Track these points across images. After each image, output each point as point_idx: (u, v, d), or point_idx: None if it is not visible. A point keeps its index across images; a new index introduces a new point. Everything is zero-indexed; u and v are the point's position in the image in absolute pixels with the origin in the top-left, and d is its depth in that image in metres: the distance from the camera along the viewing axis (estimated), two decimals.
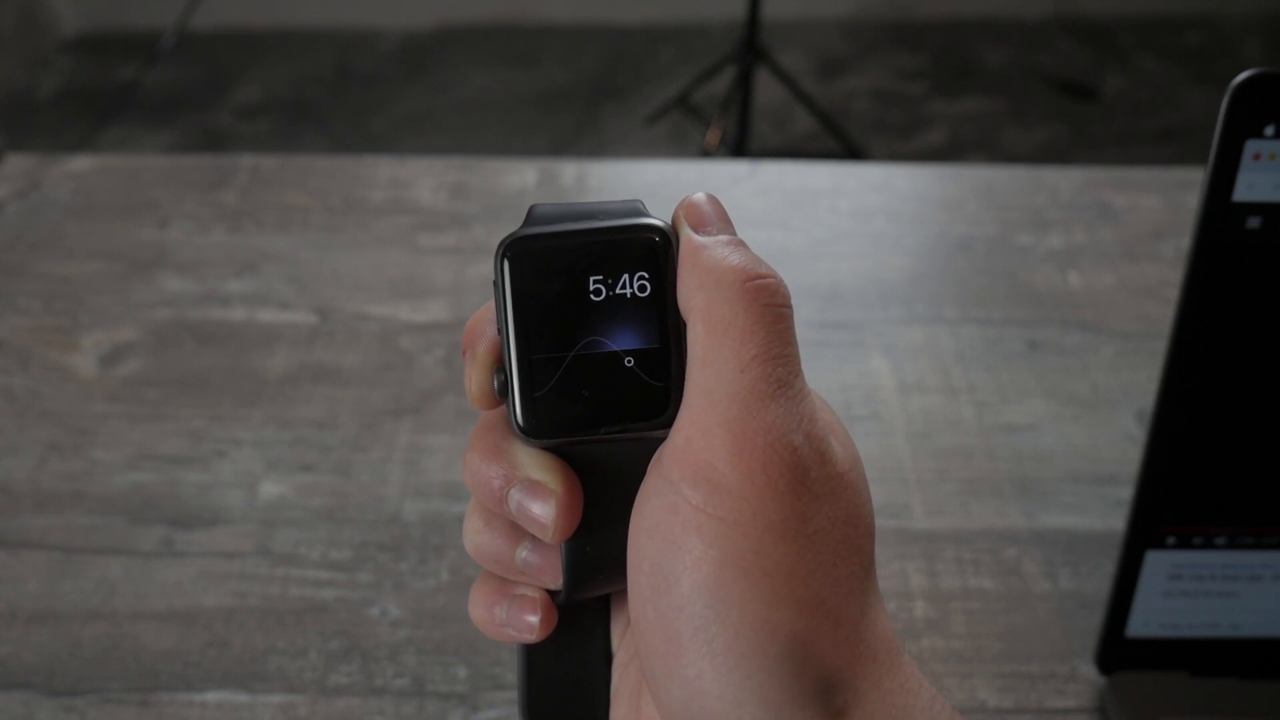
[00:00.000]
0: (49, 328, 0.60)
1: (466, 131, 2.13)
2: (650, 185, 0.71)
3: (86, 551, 0.48)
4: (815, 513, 0.22)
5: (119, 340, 0.59)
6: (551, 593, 0.27)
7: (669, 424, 0.24)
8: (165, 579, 0.47)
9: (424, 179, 0.71)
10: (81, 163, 0.72)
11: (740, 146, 1.82)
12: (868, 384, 0.56)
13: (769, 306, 0.23)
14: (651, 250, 0.24)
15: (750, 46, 1.77)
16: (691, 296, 0.24)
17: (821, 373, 0.56)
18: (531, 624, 0.26)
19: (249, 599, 0.46)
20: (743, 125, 1.81)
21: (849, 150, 1.92)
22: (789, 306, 0.23)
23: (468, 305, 0.61)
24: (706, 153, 1.84)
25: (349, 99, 2.24)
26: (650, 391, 0.24)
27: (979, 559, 0.48)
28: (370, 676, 0.43)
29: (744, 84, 1.78)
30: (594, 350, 0.24)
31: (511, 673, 0.43)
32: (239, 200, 0.69)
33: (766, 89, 2.04)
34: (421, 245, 0.66)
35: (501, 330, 0.24)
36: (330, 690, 0.43)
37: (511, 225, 0.67)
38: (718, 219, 0.25)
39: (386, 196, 0.70)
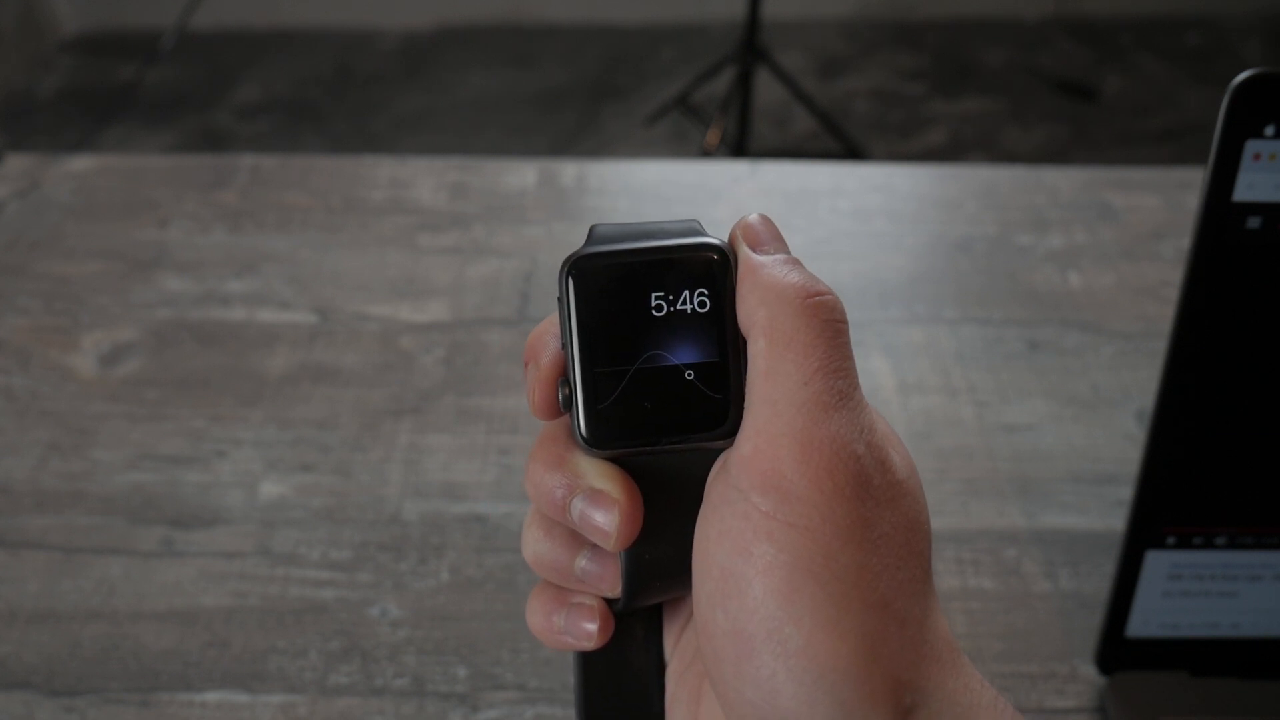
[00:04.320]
0: (49, 328, 0.60)
1: (466, 131, 2.13)
2: (650, 185, 0.71)
3: (86, 551, 0.48)
4: (879, 518, 0.23)
5: (119, 340, 0.59)
6: (609, 601, 0.28)
7: (728, 435, 0.25)
8: (165, 579, 0.47)
9: (424, 179, 0.71)
10: (81, 163, 0.72)
11: (740, 146, 1.82)
12: (868, 384, 0.56)
13: (828, 322, 0.24)
14: (711, 268, 0.25)
15: (750, 46, 1.77)
16: (753, 313, 0.24)
17: None
18: (590, 631, 0.27)
19: (249, 599, 0.46)
20: (743, 125, 1.81)
21: (849, 150, 1.92)
22: (846, 322, 0.24)
23: (468, 305, 0.61)
24: (706, 153, 1.84)
25: (349, 99, 2.24)
26: (710, 404, 0.25)
27: (979, 559, 0.48)
28: (370, 676, 0.43)
29: (744, 84, 1.78)
30: (655, 364, 0.25)
31: (512, 672, 0.43)
32: (239, 200, 0.69)
33: (766, 89, 2.04)
34: (421, 245, 0.66)
35: (566, 344, 0.25)
36: (330, 690, 0.43)
37: (512, 225, 0.67)
38: (773, 238, 0.26)
39: (386, 196, 0.70)
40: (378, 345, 0.59)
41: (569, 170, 0.72)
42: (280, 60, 2.36)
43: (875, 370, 0.57)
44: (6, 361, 0.58)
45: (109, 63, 2.34)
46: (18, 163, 0.72)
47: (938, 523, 0.49)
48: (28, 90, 2.27)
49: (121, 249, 0.65)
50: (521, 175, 0.72)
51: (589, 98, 2.23)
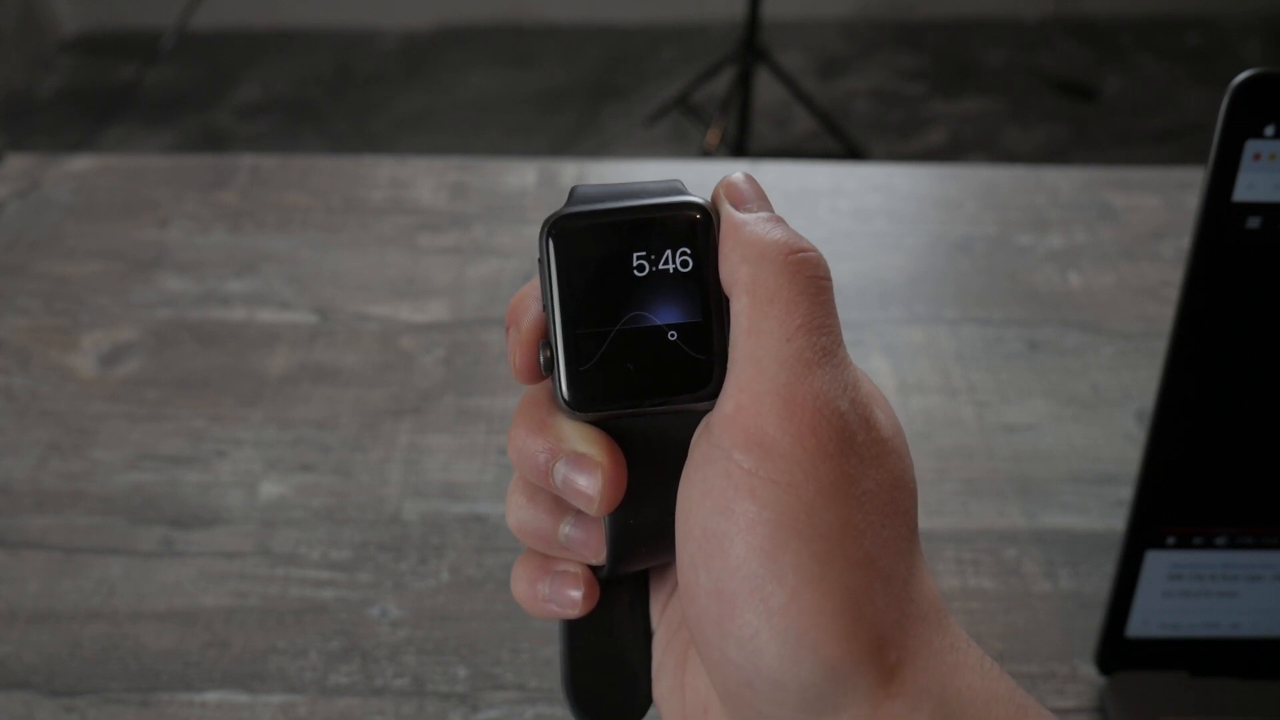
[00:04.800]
0: (49, 328, 0.60)
1: (466, 131, 2.13)
2: None
3: (86, 551, 0.48)
4: (863, 475, 0.23)
5: (119, 340, 0.59)
6: (594, 568, 0.27)
7: (712, 396, 0.24)
8: (165, 579, 0.47)
9: (424, 179, 0.71)
10: (81, 163, 0.72)
11: (740, 146, 1.82)
12: None
13: (811, 279, 0.24)
14: (693, 227, 0.25)
15: (750, 46, 1.77)
16: (735, 270, 0.24)
17: None
18: (575, 599, 0.27)
19: (249, 599, 0.46)
20: (743, 125, 1.81)
21: (849, 150, 1.92)
22: (829, 279, 0.24)
23: (468, 305, 0.61)
24: (706, 153, 1.84)
25: (349, 99, 2.24)
26: (693, 364, 0.25)
27: (979, 559, 0.48)
28: (370, 676, 0.43)
29: (744, 84, 1.78)
30: (638, 325, 0.24)
31: (512, 672, 0.43)
32: (239, 200, 0.69)
33: (766, 89, 2.04)
34: (421, 245, 0.66)
35: (546, 307, 0.25)
36: (330, 690, 0.43)
37: (512, 225, 0.67)
38: (756, 197, 0.26)
39: (386, 196, 0.70)
40: (378, 345, 0.59)
41: (569, 170, 0.72)
42: (280, 60, 2.36)
43: (875, 370, 0.57)
44: (6, 361, 0.58)
45: (109, 63, 2.34)
46: (18, 163, 0.72)
47: (938, 522, 0.49)
48: (28, 90, 2.27)
49: (121, 249, 0.65)
50: (521, 175, 0.72)
51: (589, 98, 2.23)
